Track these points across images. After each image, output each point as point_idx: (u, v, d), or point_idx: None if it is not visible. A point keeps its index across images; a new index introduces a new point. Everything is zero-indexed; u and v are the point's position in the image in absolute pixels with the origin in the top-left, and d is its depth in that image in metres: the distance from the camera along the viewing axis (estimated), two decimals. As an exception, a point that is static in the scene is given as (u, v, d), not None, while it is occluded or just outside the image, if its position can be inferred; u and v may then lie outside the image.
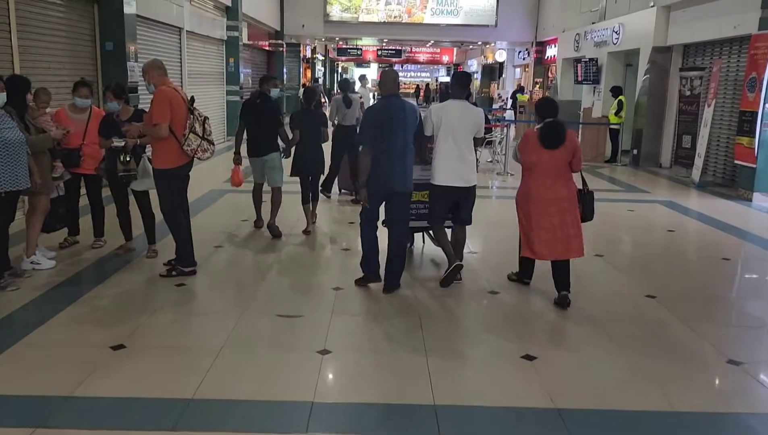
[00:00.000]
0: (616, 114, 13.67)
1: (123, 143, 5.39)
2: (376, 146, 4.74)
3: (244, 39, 17.44)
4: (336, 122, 8.61)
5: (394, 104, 4.83)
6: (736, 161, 9.85)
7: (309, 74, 32.57)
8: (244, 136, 6.64)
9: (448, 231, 5.40)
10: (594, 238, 6.89)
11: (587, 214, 4.89)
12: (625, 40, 14.21)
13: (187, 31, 12.75)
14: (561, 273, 4.82)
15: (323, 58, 38.03)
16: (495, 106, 24.64)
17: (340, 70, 49.57)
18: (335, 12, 22.74)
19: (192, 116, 5.06)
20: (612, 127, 13.78)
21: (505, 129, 12.31)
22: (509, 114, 23.07)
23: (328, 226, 7.42)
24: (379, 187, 4.82)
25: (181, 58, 12.62)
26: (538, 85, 23.36)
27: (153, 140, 5.09)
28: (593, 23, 16.37)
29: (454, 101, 5.07)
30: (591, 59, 15.78)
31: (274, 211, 6.77)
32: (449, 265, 5.13)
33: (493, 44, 27.15)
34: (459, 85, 5.23)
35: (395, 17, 22.78)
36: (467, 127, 5.00)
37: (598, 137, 13.97)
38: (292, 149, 6.79)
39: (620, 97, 13.71)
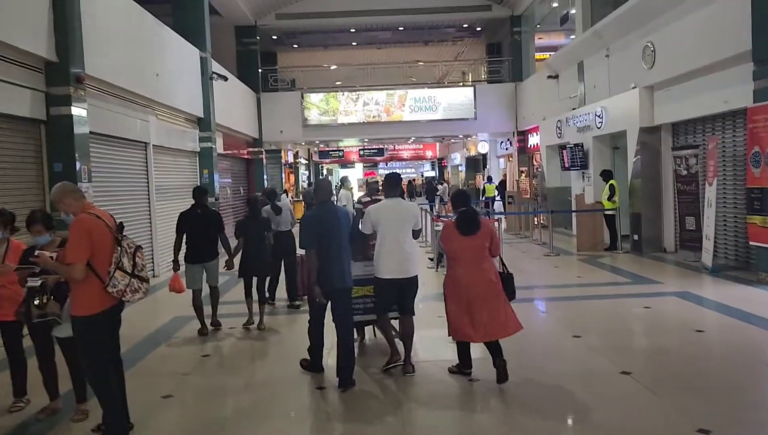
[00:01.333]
0: (609, 199, 12.99)
1: (39, 282, 4.42)
2: (317, 247, 5.17)
3: (220, 149, 16.97)
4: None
5: (327, 209, 5.34)
6: (751, 242, 9.01)
7: (292, 179, 32.32)
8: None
9: (397, 323, 5.78)
10: (614, 348, 5.92)
11: (509, 293, 5.22)
12: (609, 123, 13.79)
13: (154, 145, 12.16)
14: (495, 347, 5.06)
15: (307, 161, 38.07)
16: (482, 198, 24.14)
17: (325, 172, 49.74)
18: (313, 116, 22.62)
19: (119, 248, 4.13)
20: (607, 213, 13.06)
21: (496, 223, 11.51)
22: (498, 205, 22.61)
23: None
24: (322, 286, 5.19)
25: (147, 173, 11.94)
26: (523, 174, 22.98)
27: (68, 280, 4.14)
28: (573, 109, 16.08)
29: (388, 200, 5.54)
30: (576, 145, 15.34)
31: (215, 308, 7.42)
32: (391, 356, 5.58)
33: (474, 136, 27.12)
34: (390, 185, 5.63)
35: (374, 117, 22.66)
36: (404, 222, 5.43)
37: (594, 225, 13.21)
38: (239, 255, 7.34)
39: (611, 182, 13.09)
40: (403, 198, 5.97)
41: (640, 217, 12.53)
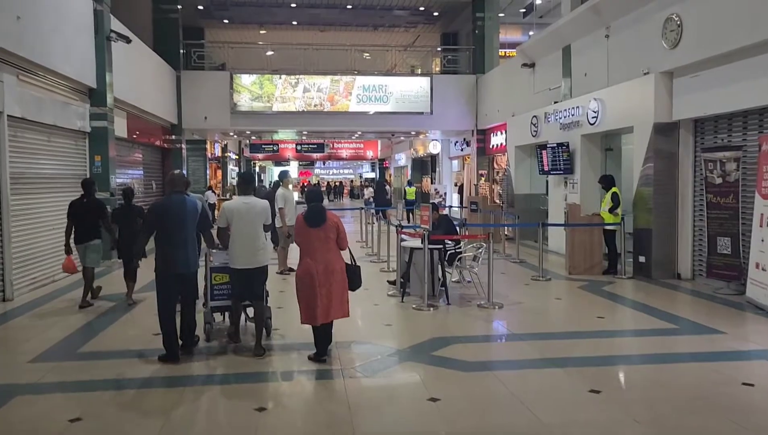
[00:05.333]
0: (610, 211, 10.47)
1: None
2: (157, 235, 5.78)
3: (121, 132, 13.49)
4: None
5: (175, 200, 5.83)
6: (844, 279, 6.57)
7: (219, 175, 28.72)
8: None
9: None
10: None
11: (354, 283, 5.84)
12: (608, 118, 11.30)
13: (10, 116, 8.70)
14: (326, 332, 5.74)
15: (237, 156, 34.42)
16: (434, 201, 21.43)
17: (257, 169, 45.96)
18: (244, 101, 19.29)
19: None
20: (608, 228, 10.54)
21: (486, 241, 8.71)
22: (455, 212, 20.01)
23: None
24: (167, 270, 5.71)
25: (-1, 155, 8.49)
26: (483, 178, 20.45)
27: None
28: (555, 102, 13.58)
29: (240, 197, 6.10)
30: (560, 144, 12.81)
31: (86, 288, 8.19)
32: (233, 332, 6.28)
33: (424, 135, 24.46)
34: (243, 183, 6.20)
35: (316, 106, 19.57)
36: (254, 217, 5.98)
37: (591, 242, 10.64)
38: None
39: (614, 190, 10.58)
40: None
41: (649, 234, 10.05)
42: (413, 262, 8.53)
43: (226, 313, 6.73)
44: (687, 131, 9.85)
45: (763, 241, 7.70)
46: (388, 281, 9.64)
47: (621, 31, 11.02)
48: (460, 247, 9.25)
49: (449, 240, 8.75)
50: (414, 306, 8.01)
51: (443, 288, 8.36)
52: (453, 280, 9.46)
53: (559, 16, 15.46)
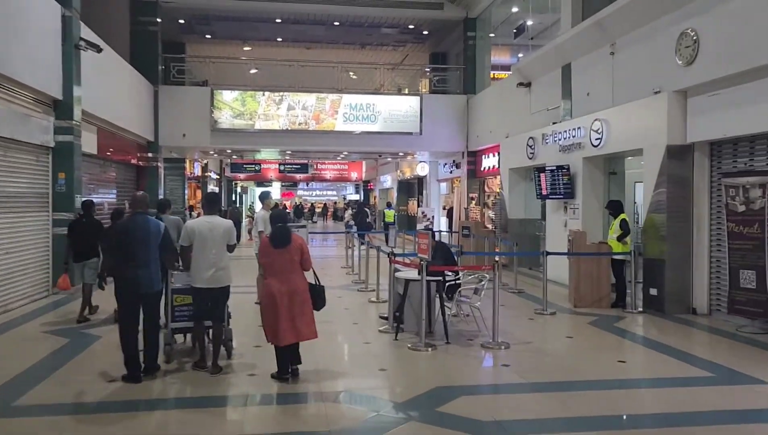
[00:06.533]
0: (619, 239, 9.71)
1: None
2: (117, 255, 5.82)
3: (90, 148, 12.52)
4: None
5: (137, 221, 5.89)
6: None
7: (199, 195, 27.67)
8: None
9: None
10: None
11: (318, 303, 5.94)
12: (614, 140, 10.60)
13: (-43, 127, 7.76)
14: (292, 352, 5.76)
15: (218, 176, 33.40)
16: (419, 226, 20.63)
17: (239, 190, 44.90)
18: (225, 118, 18.40)
19: None
20: (616, 258, 9.77)
21: (489, 273, 7.86)
22: (444, 236, 19.18)
23: None
24: (129, 290, 5.74)
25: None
26: (473, 201, 19.69)
27: None
28: (554, 123, 12.89)
29: (205, 216, 6.21)
30: (560, 167, 12.09)
31: (83, 303, 8.41)
32: (199, 359, 6.15)
33: (412, 157, 23.72)
34: (208, 203, 6.45)
35: (300, 124, 18.74)
36: (218, 237, 6.03)
37: (599, 272, 9.84)
38: None
39: (622, 216, 9.84)
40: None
41: (661, 265, 9.28)
42: (409, 295, 7.66)
43: (188, 335, 6.91)
44: (702, 154, 9.15)
45: (797, 275, 6.96)
46: (380, 316, 8.73)
47: (628, 48, 10.37)
48: (459, 278, 8.39)
49: (449, 271, 7.89)
50: (410, 345, 7.13)
51: (443, 324, 7.49)
52: (450, 313, 8.59)
53: (551, 37, 14.90)
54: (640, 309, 9.47)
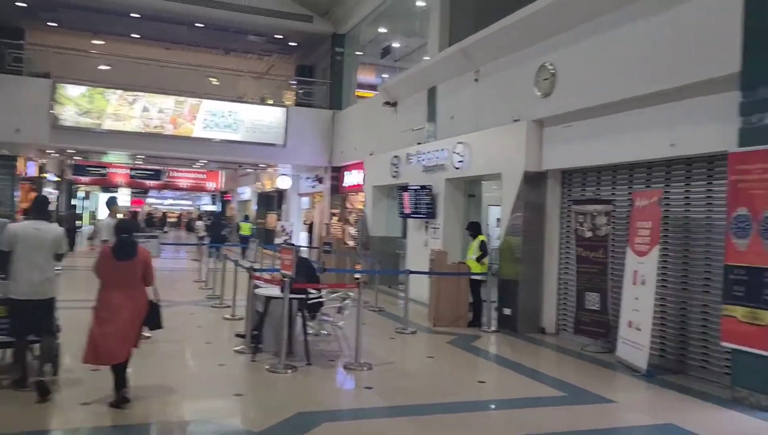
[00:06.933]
0: (478, 260, 9.97)
1: None
2: None
3: None
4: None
5: None
6: (724, 343, 6.37)
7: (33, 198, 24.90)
8: None
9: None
10: None
11: (153, 322, 5.56)
12: (475, 164, 10.94)
13: None
14: (120, 373, 5.17)
15: (58, 178, 30.37)
16: (278, 240, 20.13)
17: (82, 195, 41.22)
18: (69, 115, 16.71)
19: None
20: (474, 278, 10.02)
21: (353, 292, 7.63)
22: (304, 250, 18.78)
23: None
24: None
25: None
26: (336, 217, 19.53)
27: None
28: (419, 143, 13.10)
29: (31, 221, 5.68)
30: (423, 187, 12.28)
31: None
32: (19, 378, 5.49)
33: (275, 169, 23.16)
34: (37, 207, 5.86)
35: (156, 127, 17.51)
36: (45, 245, 5.52)
37: (458, 292, 10.02)
38: None
39: (480, 238, 10.14)
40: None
41: (516, 286, 9.64)
42: (269, 313, 7.23)
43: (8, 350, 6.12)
44: (555, 182, 9.69)
45: (637, 299, 7.47)
46: (236, 334, 8.18)
47: (492, 76, 10.79)
48: (321, 296, 8.09)
49: (312, 288, 7.55)
50: (268, 367, 6.69)
51: (304, 344, 7.13)
52: (311, 332, 8.24)
53: (417, 60, 15.24)
54: (495, 328, 9.75)
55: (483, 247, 9.96)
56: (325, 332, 8.34)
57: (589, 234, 8.56)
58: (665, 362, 7.51)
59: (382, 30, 18.88)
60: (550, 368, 7.51)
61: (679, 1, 6.97)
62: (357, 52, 19.90)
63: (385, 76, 20.88)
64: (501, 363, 7.74)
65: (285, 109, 18.91)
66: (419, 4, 15.35)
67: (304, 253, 18.42)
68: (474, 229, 10.27)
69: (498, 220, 11.19)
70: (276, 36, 20.45)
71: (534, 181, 9.63)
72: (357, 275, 10.86)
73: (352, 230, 18.26)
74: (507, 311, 9.81)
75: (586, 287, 8.62)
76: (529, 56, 9.63)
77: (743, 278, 6.10)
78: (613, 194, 8.65)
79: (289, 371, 6.60)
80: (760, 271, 5.92)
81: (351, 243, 16.91)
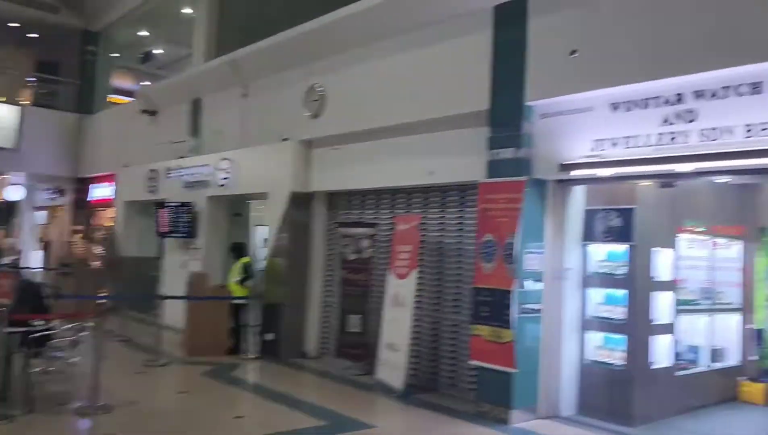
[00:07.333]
0: (241, 283, 9.47)
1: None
2: None
3: None
4: None
5: None
6: (472, 361, 6.77)
7: None
8: None
9: None
10: None
11: None
12: (242, 182, 10.45)
13: None
14: None
15: None
16: (5, 260, 17.21)
17: None
18: None
19: None
20: (236, 302, 9.47)
21: (93, 320, 6.57)
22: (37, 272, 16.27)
23: None
24: None
25: None
26: (79, 235, 17.30)
27: None
28: (181, 157, 12.18)
29: None
30: (183, 204, 11.40)
31: None
32: None
33: (4, 177, 19.83)
34: None
35: None
36: None
37: (216, 317, 9.35)
38: None
39: (244, 260, 9.66)
40: None
41: (279, 309, 9.33)
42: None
43: None
44: (322, 203, 9.65)
45: (396, 320, 7.66)
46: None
47: (261, 92, 10.45)
48: (52, 328, 6.85)
49: (40, 319, 6.34)
50: (-29, 419, 5.40)
51: (26, 386, 5.92)
52: (37, 371, 6.91)
53: (181, 71, 14.29)
54: (257, 355, 9.30)
55: (247, 269, 9.49)
56: (55, 370, 7.07)
57: (353, 256, 8.64)
58: (419, 381, 7.79)
59: (143, 33, 17.41)
60: (311, 395, 7.30)
61: (440, 39, 7.42)
62: (113, 54, 18.09)
63: (144, 82, 19.28)
64: (261, 393, 7.33)
65: (19, 108, 16.32)
66: (185, 11, 14.43)
67: (38, 275, 16.00)
68: (238, 250, 9.77)
69: (265, 240, 10.87)
70: (10, 23, 17.63)
71: (301, 202, 9.48)
72: (100, 301, 9.56)
73: (98, 250, 16.31)
74: (270, 336, 9.43)
75: (349, 310, 8.66)
76: (300, 76, 9.51)
77: (489, 299, 6.57)
78: (376, 218, 8.86)
79: (4, 421, 5.40)
80: (502, 293, 6.42)
81: (97, 264, 15.06)
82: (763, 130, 4.89)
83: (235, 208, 11.64)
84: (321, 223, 9.63)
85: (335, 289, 9.06)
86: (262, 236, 10.67)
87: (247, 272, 9.45)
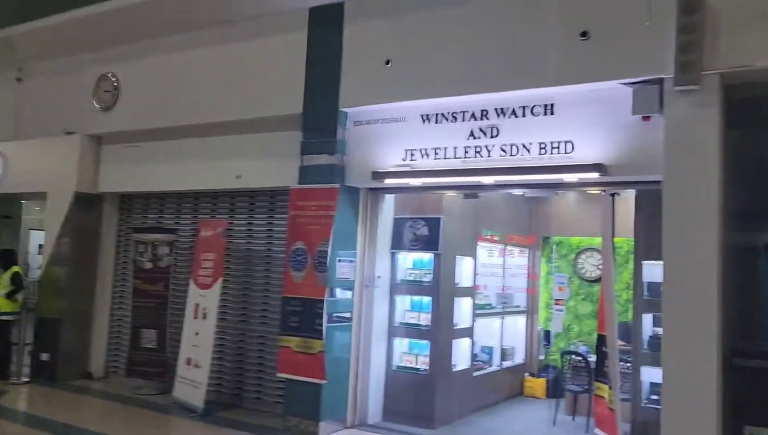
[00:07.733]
0: (9, 296, 8.11)
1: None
2: None
3: None
4: None
5: None
6: (280, 374, 6.46)
7: None
8: None
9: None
10: None
11: None
12: (13, 179, 9.02)
13: None
14: None
15: None
16: None
17: None
18: None
19: None
20: (4, 317, 8.09)
21: None
22: None
23: None
24: None
25: None
26: None
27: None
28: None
29: None
30: (-66, 203, 9.55)
31: None
32: None
33: None
34: None
35: None
36: None
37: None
38: None
39: (15, 269, 8.32)
40: None
41: (58, 325, 8.18)
42: None
43: None
44: (112, 206, 8.70)
45: (197, 334, 7.10)
46: None
47: (41, 77, 9.10)
48: None
49: None
50: None
51: None
52: None
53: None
54: (28, 379, 8.04)
55: (17, 280, 8.16)
56: None
57: (149, 265, 7.89)
58: (222, 398, 7.30)
59: None
60: (93, 422, 6.46)
61: (254, 36, 7.05)
62: None
63: None
64: (31, 423, 6.29)
65: None
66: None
67: None
68: (6, 258, 8.38)
69: (41, 246, 9.48)
70: None
71: (87, 203, 8.43)
72: None
73: None
74: (45, 356, 8.22)
75: (142, 323, 7.88)
76: (90, 62, 8.48)
77: (299, 309, 6.35)
78: (177, 223, 8.18)
79: None
80: (313, 302, 6.24)
81: None
82: (554, 148, 5.33)
83: (5, 210, 10.04)
84: (112, 228, 8.68)
85: (127, 301, 8.18)
86: (38, 242, 9.33)
87: (16, 283, 8.12)
